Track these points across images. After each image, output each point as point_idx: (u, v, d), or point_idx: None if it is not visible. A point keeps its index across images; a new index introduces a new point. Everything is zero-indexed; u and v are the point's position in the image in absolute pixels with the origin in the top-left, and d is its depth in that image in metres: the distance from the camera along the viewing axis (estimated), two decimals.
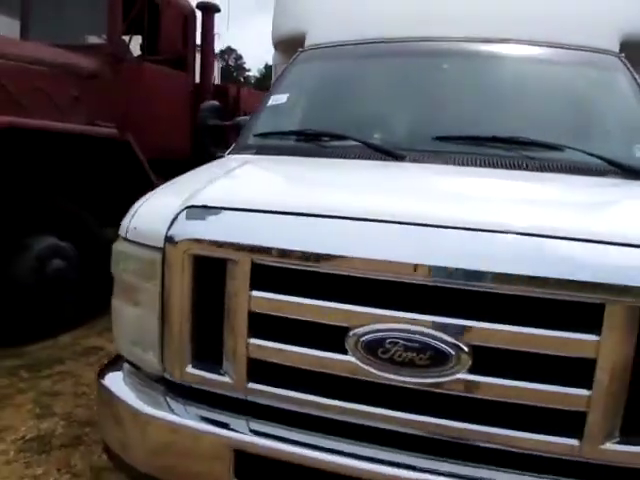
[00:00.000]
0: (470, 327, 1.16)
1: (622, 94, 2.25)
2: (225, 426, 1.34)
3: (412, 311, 1.19)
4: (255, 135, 2.34)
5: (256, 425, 1.34)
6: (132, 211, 1.60)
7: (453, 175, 1.75)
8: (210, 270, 1.35)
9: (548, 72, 2.34)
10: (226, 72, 47.38)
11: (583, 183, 1.71)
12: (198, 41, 5.49)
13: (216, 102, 2.90)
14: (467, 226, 1.20)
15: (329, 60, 2.61)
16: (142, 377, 1.56)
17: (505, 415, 1.19)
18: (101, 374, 1.61)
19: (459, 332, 1.17)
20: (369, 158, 1.91)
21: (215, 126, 2.76)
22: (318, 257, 1.24)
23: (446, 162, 1.85)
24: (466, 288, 1.16)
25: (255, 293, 1.30)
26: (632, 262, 1.12)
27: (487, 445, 1.20)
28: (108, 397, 1.54)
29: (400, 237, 1.21)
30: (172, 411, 1.42)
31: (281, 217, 1.32)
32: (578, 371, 1.14)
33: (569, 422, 1.16)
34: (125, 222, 1.58)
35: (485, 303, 1.17)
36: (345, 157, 1.96)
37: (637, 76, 2.34)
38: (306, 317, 1.27)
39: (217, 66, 27.98)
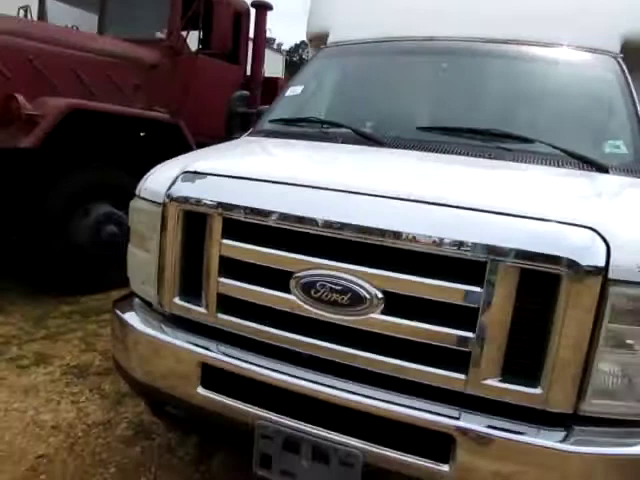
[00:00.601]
0: (382, 276, 1.44)
1: (606, 93, 2.37)
2: (197, 345, 1.70)
3: (338, 261, 1.48)
4: (270, 121, 2.68)
5: (221, 347, 1.69)
6: (146, 176, 1.99)
7: (412, 159, 2.00)
8: (195, 222, 1.71)
9: (537, 71, 2.50)
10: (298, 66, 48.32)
11: (532, 171, 1.91)
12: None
13: (245, 92, 3.26)
14: (384, 194, 1.47)
15: (341, 56, 2.91)
16: (146, 309, 1.95)
17: (410, 351, 1.45)
18: (115, 305, 2.02)
19: (373, 279, 1.45)
20: (355, 143, 2.20)
21: (243, 113, 3.14)
22: (270, 214, 1.56)
23: (420, 149, 2.09)
24: (380, 244, 1.44)
25: (225, 241, 1.64)
26: (509, 230, 1.35)
27: (394, 375, 1.47)
28: (119, 322, 1.94)
29: (330, 201, 1.51)
30: (162, 332, 1.80)
31: (246, 182, 1.66)
32: (465, 317, 1.38)
33: (459, 360, 1.41)
34: (140, 184, 1.97)
35: (396, 258, 1.44)
36: (335, 141, 2.24)
37: (628, 77, 2.45)
38: (262, 262, 1.60)
39: (282, 60, 28.63)
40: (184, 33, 4.85)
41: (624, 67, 2.50)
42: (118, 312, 1.93)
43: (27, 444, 2.23)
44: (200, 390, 1.66)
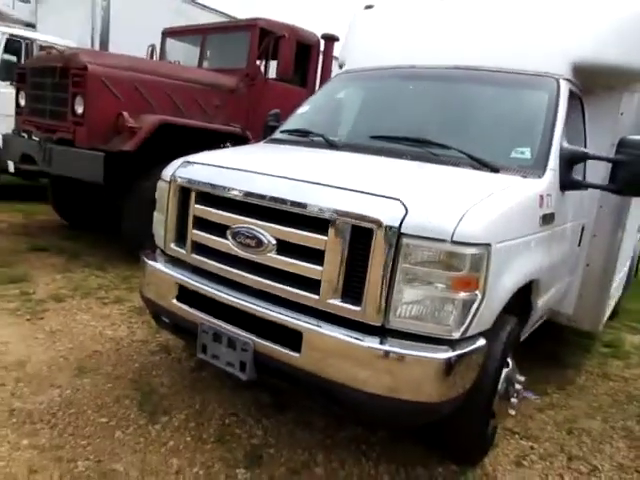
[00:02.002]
0: (274, 228, 2.20)
1: (532, 109, 2.84)
2: (178, 273, 2.59)
3: (251, 218, 2.27)
4: (280, 131, 3.54)
5: (190, 275, 2.55)
6: (169, 165, 2.95)
7: (341, 157, 2.71)
8: (184, 194, 2.61)
9: (479, 92, 3.05)
10: None
11: (425, 169, 2.51)
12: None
13: (277, 110, 4.15)
14: (286, 176, 2.25)
15: (339, 82, 3.69)
16: (159, 254, 2.89)
17: (289, 278, 2.18)
18: (142, 253, 2.99)
19: (270, 231, 2.21)
20: (320, 147, 2.96)
21: (273, 126, 4.04)
22: (218, 188, 2.41)
23: (359, 152, 2.79)
24: (275, 208, 2.20)
25: (196, 206, 2.52)
26: (349, 199, 2.04)
27: (279, 294, 2.21)
28: (143, 263, 2.91)
29: (252, 180, 2.32)
30: (163, 266, 2.71)
31: (212, 168, 2.53)
32: (318, 257, 2.08)
33: (315, 284, 2.11)
34: (163, 171, 2.93)
35: (285, 217, 2.19)
36: (307, 146, 3.04)
37: (562, 95, 2.88)
38: (213, 219, 2.44)
39: None
40: (258, 62, 5.96)
41: (562, 87, 2.92)
42: (142, 257, 2.90)
43: (91, 344, 3.31)
44: (174, 301, 2.54)
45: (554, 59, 3.05)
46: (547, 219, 2.54)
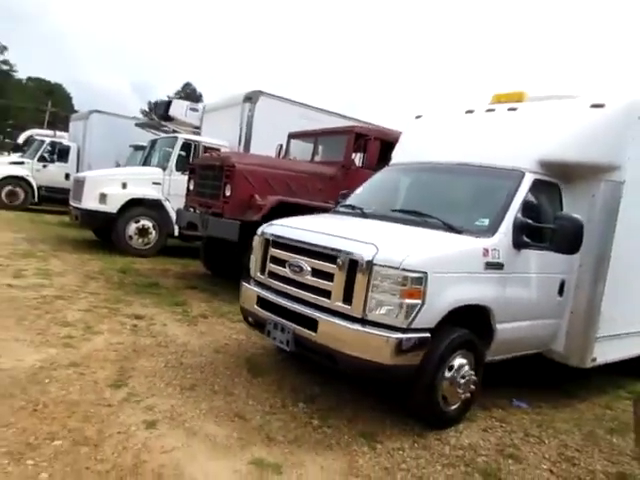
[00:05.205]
0: (309, 261, 3.77)
1: (497, 193, 4.13)
2: (259, 290, 4.24)
3: (299, 255, 3.87)
4: (340, 206, 5.19)
5: (266, 291, 4.19)
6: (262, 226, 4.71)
7: (365, 221, 4.24)
8: (266, 243, 4.31)
9: (468, 181, 4.42)
10: None
11: (409, 229, 3.92)
12: None
13: (346, 191, 5.82)
14: (321, 231, 3.86)
15: (384, 172, 5.27)
16: (252, 280, 4.58)
17: (317, 291, 3.71)
18: (242, 280, 4.71)
19: (308, 262, 3.79)
20: (356, 216, 4.54)
21: (338, 202, 5.71)
22: (285, 239, 4.07)
23: (379, 219, 4.30)
24: (310, 249, 3.79)
25: (272, 249, 4.20)
26: (347, 244, 3.56)
27: (311, 301, 3.73)
28: (242, 285, 4.61)
29: (302, 234, 3.95)
30: (252, 286, 4.39)
31: (282, 227, 4.22)
32: (331, 277, 3.60)
33: (328, 293, 3.60)
34: (258, 230, 4.69)
35: (316, 254, 3.75)
36: (348, 215, 4.63)
37: (522, 185, 4.12)
38: (280, 257, 4.09)
39: None
40: (353, 155, 7.90)
41: (526, 177, 4.18)
42: (242, 282, 4.63)
43: (223, 340, 5.11)
44: (255, 306, 4.19)
45: (525, 157, 4.33)
46: (493, 265, 3.77)
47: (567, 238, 3.81)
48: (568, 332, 4.57)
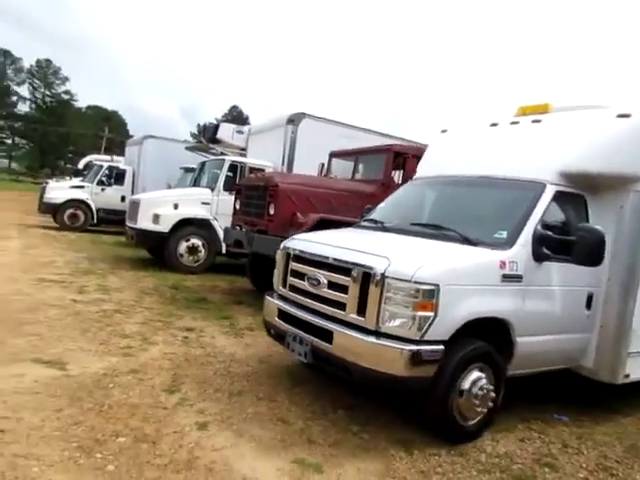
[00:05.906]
0: (326, 274, 3.87)
1: (517, 204, 4.10)
2: (280, 303, 4.36)
3: (316, 269, 3.97)
4: (363, 220, 5.26)
5: (286, 304, 4.30)
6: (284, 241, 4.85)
7: (385, 235, 4.29)
8: (287, 257, 4.44)
9: (488, 193, 4.40)
10: None
11: (427, 241, 3.95)
12: None
13: (370, 206, 5.88)
14: (337, 245, 3.95)
15: (410, 185, 5.32)
16: (274, 293, 4.71)
17: (333, 303, 3.79)
18: (265, 294, 4.84)
19: (324, 275, 3.88)
20: (378, 230, 4.60)
21: (362, 216, 5.79)
22: (304, 252, 4.19)
23: (398, 232, 4.34)
24: (326, 262, 3.88)
25: (292, 263, 4.32)
26: (361, 256, 3.63)
27: (326, 312, 3.81)
28: (265, 299, 4.75)
29: (320, 248, 4.05)
30: (274, 299, 4.52)
31: (302, 241, 4.34)
32: (346, 290, 3.67)
33: (344, 306, 3.68)
34: (280, 244, 4.83)
35: (332, 267, 3.84)
36: (369, 229, 4.70)
37: (544, 196, 4.07)
38: (300, 271, 4.20)
39: None
40: (393, 173, 8.02)
41: (547, 189, 4.13)
42: (266, 295, 4.76)
43: (266, 351, 5.32)
44: (276, 318, 4.31)
45: (547, 169, 4.28)
46: (511, 278, 3.73)
47: (588, 250, 3.73)
48: (598, 347, 4.42)
